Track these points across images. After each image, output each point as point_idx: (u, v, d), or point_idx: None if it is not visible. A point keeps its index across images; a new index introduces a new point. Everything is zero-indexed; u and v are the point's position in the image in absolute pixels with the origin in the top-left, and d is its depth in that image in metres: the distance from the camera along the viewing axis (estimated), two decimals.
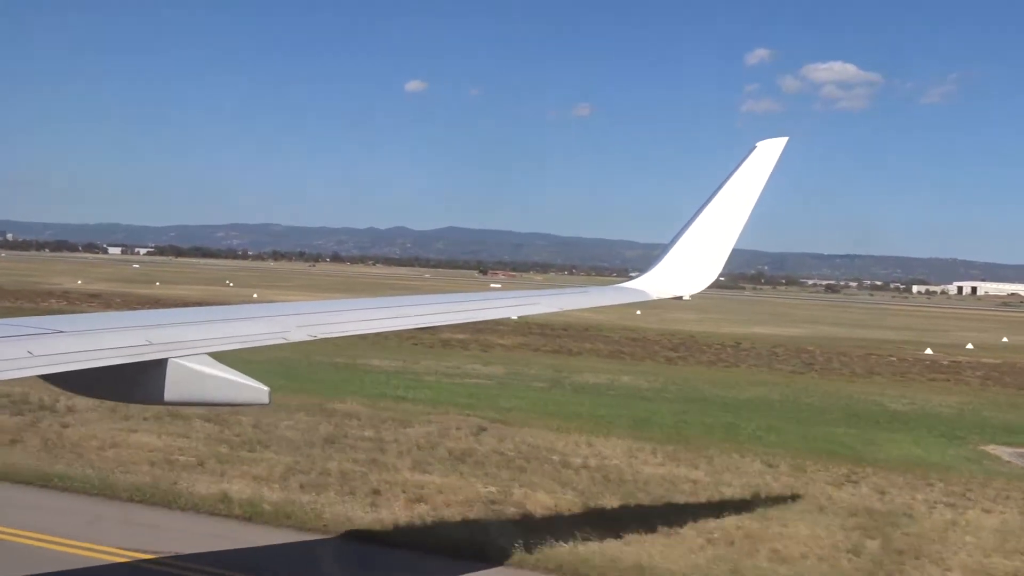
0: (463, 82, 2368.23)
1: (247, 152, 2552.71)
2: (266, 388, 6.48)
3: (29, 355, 5.62)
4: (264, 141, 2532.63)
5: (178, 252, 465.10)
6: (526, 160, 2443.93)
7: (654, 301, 10.48)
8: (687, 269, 10.38)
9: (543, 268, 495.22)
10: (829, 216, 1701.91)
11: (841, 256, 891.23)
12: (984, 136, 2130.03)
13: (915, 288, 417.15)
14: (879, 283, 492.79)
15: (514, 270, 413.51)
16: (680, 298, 10.56)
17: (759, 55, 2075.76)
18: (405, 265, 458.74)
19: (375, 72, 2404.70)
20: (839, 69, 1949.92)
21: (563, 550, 14.29)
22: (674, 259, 10.47)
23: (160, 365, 6.31)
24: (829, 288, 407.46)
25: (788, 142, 10.25)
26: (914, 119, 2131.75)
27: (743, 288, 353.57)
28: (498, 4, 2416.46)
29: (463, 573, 13.50)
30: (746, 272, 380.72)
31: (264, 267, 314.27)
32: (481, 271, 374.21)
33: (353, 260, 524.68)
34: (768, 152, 10.21)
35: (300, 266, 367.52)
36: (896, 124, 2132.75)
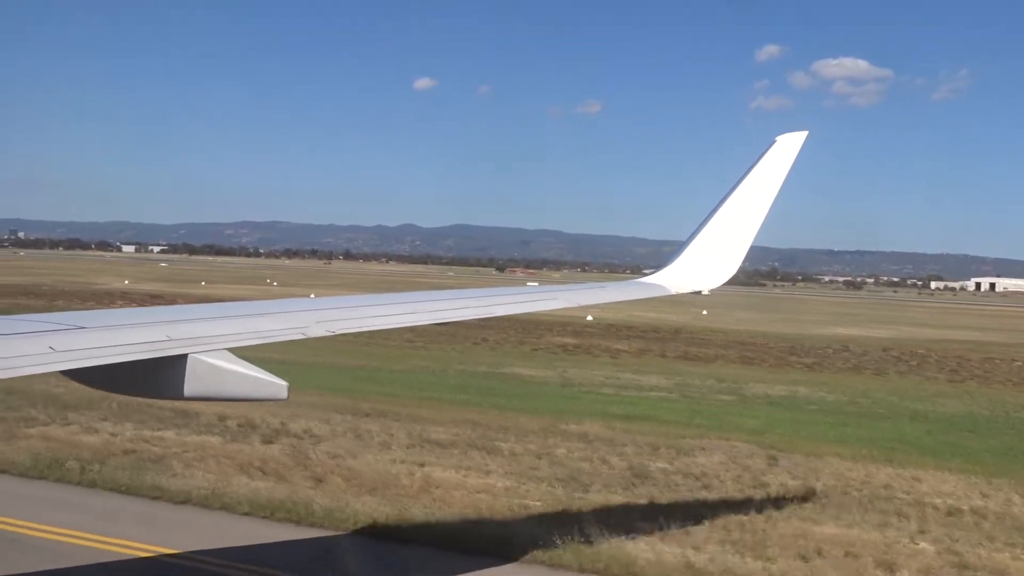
0: (472, 80, 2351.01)
1: (256, 150, 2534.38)
2: (284, 383, 6.45)
3: (51, 351, 5.64)
4: (272, 139, 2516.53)
5: (191, 250, 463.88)
6: (535, 157, 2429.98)
7: (674, 296, 10.35)
8: (706, 264, 10.25)
9: (556, 265, 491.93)
10: (839, 212, 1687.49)
11: (851, 252, 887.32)
12: (995, 132, 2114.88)
13: (933, 284, 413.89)
14: (896, 279, 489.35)
15: (527, 267, 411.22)
16: (699, 293, 10.50)
17: (769, 51, 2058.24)
18: (419, 263, 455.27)
19: (384, 70, 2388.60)
20: (850, 65, 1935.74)
21: None
22: (693, 254, 10.33)
23: (180, 361, 6.31)
24: (849, 285, 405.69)
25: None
26: (925, 115, 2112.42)
27: (764, 284, 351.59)
28: (507, 1, 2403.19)
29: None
30: (759, 268, 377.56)
31: (280, 264, 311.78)
32: (498, 268, 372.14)
33: (366, 258, 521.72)
34: (788, 146, 10.09)
35: (315, 263, 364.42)
36: (907, 120, 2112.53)
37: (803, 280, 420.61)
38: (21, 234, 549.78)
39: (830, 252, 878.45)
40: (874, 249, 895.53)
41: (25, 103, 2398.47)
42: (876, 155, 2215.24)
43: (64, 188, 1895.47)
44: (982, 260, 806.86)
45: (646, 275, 11.04)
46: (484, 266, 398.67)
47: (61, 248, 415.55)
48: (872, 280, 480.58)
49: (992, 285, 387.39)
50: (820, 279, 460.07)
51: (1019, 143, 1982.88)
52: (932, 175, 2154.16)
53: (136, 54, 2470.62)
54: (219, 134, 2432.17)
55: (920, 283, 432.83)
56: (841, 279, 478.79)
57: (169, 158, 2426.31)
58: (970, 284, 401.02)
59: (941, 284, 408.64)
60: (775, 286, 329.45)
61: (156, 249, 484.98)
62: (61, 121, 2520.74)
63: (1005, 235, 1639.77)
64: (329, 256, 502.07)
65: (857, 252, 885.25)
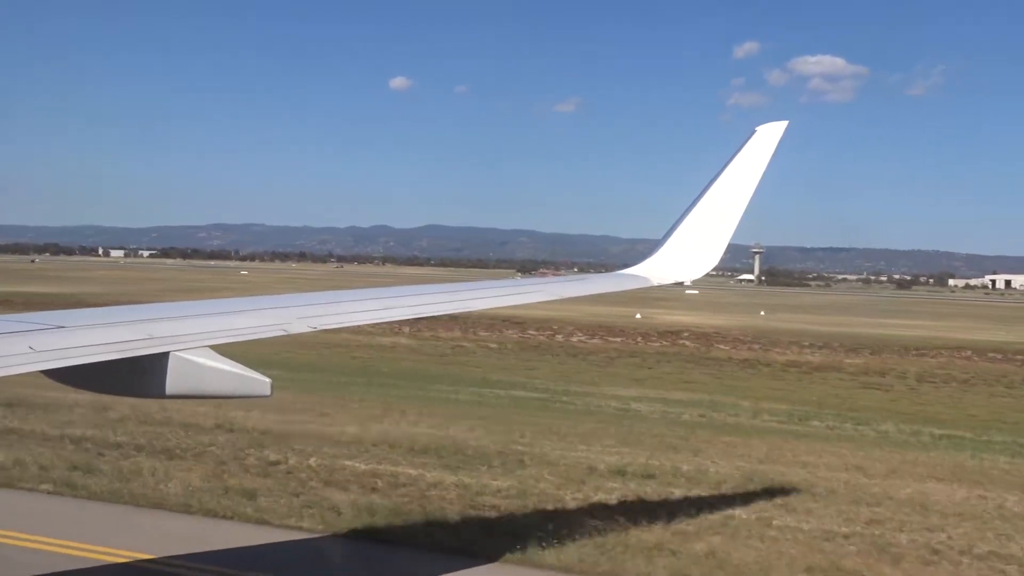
0: (449, 79, 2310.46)
1: (227, 151, 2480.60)
2: (268, 380, 6.50)
3: (31, 350, 5.65)
4: (244, 140, 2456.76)
5: (183, 254, 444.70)
6: (511, 157, 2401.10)
7: (656, 288, 10.44)
8: (688, 255, 10.32)
9: (536, 265, 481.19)
10: (812, 209, 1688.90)
11: (824, 249, 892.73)
12: (967, 129, 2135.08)
13: (951, 282, 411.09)
14: (908, 276, 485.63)
15: (514, 269, 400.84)
16: (681, 284, 10.88)
17: (747, 48, 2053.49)
18: (418, 265, 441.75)
19: (359, 69, 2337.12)
20: (827, 62, 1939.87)
21: None
22: (675, 245, 10.38)
23: (162, 359, 6.34)
24: (867, 283, 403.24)
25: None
26: (900, 112, 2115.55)
27: (808, 284, 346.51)
28: (484, 0, 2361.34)
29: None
30: (736, 266, 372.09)
31: (288, 268, 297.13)
32: (521, 271, 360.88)
33: (360, 260, 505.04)
34: (768, 136, 10.13)
35: (329, 267, 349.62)
36: (881, 117, 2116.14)
37: (816, 279, 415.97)
38: None
39: (803, 249, 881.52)
40: (847, 246, 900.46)
41: None
42: (849, 152, 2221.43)
43: (30, 192, 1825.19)
44: (953, 256, 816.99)
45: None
46: (458, 267, 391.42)
47: (48, 253, 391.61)
48: (885, 278, 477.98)
49: (1007, 282, 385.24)
50: (833, 277, 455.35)
51: (992, 140, 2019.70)
52: (904, 172, 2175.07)
53: (105, 55, 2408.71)
54: (189, 136, 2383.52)
55: (932, 280, 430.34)
56: (853, 277, 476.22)
57: (138, 161, 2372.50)
58: (984, 281, 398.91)
59: (961, 282, 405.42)
60: (817, 285, 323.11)
61: (145, 254, 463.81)
62: (26, 123, 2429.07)
63: (975, 231, 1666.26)
64: (326, 258, 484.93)
65: (830, 249, 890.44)
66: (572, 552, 13.48)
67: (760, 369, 46.48)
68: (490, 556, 13.47)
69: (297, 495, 16.11)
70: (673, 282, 10.38)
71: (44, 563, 12.27)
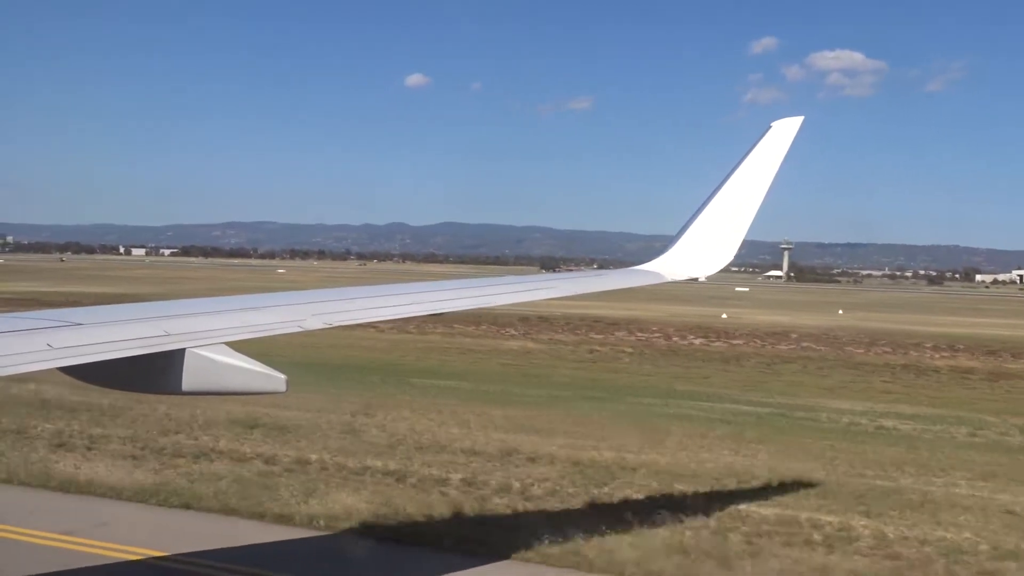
0: (465, 76, 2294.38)
1: (242, 149, 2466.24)
2: (283, 376, 6.46)
3: (48, 347, 5.67)
4: (259, 138, 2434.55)
5: (204, 253, 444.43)
6: (527, 154, 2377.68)
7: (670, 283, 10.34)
8: (703, 251, 10.20)
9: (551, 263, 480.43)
10: (830, 205, 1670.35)
11: (842, 245, 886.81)
12: (986, 124, 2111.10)
13: (979, 277, 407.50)
14: (933, 272, 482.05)
15: (534, 266, 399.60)
16: (696, 280, 10.55)
17: (764, 44, 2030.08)
18: (437, 262, 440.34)
19: (376, 66, 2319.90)
20: (845, 57, 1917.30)
21: None
22: (689, 241, 10.27)
23: (178, 355, 6.32)
24: (889, 278, 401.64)
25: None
26: (918, 107, 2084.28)
27: (839, 281, 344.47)
28: None
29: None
30: (754, 261, 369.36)
31: (312, 266, 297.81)
32: (543, 267, 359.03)
33: (380, 258, 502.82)
34: (784, 132, 10.00)
35: (352, 265, 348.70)
36: (900, 112, 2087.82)
37: (841, 274, 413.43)
38: (10, 238, 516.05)
39: (821, 245, 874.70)
40: (866, 241, 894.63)
41: (4, 104, 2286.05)
42: (868, 148, 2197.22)
43: (46, 190, 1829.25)
44: (973, 251, 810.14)
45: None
46: (475, 264, 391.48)
47: (70, 252, 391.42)
48: (911, 273, 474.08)
49: None
50: (858, 273, 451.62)
51: (1011, 136, 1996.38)
52: (923, 166, 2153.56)
53: (119, 54, 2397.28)
54: (204, 134, 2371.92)
55: (958, 275, 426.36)
56: (878, 273, 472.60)
57: (153, 159, 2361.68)
58: (1013, 276, 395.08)
59: (988, 278, 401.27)
60: (845, 282, 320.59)
61: (167, 252, 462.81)
62: (42, 122, 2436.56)
63: (994, 226, 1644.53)
64: (343, 256, 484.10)
65: (848, 245, 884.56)
66: None
67: (932, 376, 43.27)
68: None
69: (757, 555, 13.18)
70: (687, 278, 10.31)
71: None
